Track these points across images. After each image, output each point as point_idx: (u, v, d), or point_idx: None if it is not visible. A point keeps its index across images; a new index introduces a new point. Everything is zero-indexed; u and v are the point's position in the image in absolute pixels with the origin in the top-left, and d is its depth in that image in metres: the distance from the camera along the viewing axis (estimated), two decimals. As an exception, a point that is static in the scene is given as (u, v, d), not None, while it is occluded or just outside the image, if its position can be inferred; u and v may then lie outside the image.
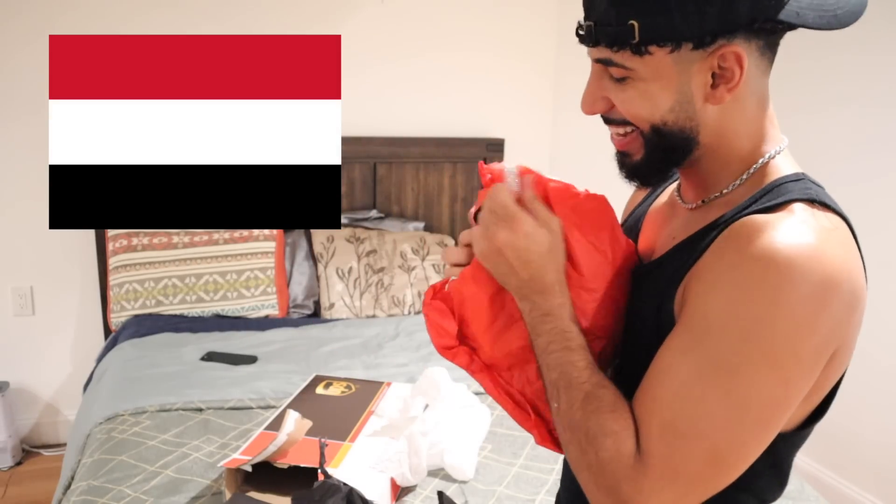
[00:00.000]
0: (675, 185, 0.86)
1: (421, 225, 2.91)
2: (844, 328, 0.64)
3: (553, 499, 1.42)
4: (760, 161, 0.72)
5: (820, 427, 0.85)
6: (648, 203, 0.90)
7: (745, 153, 0.73)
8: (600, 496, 0.67)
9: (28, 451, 2.65)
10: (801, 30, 0.66)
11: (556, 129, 3.17)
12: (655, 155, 0.73)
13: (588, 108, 0.74)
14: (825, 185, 0.73)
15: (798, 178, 0.70)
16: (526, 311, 0.74)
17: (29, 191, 2.53)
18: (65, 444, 2.44)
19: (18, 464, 2.57)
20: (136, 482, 1.42)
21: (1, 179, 2.51)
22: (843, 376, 0.72)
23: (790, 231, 0.62)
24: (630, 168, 0.76)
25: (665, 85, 0.68)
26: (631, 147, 0.74)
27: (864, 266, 0.68)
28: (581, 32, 0.71)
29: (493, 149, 2.98)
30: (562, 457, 1.48)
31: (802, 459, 2.41)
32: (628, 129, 0.73)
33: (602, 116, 0.75)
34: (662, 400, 0.65)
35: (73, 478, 1.53)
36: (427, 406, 1.59)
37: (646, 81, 0.68)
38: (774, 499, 0.78)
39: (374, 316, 2.59)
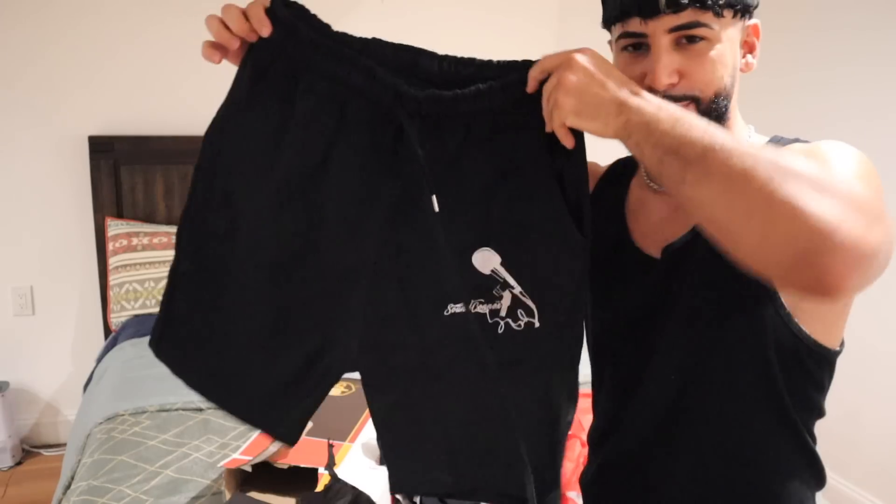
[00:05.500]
0: (634, 178, 0.90)
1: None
2: None
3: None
4: (751, 133, 0.84)
5: (820, 427, 0.85)
6: (618, 192, 0.91)
7: (741, 127, 0.83)
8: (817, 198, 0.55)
9: (28, 451, 2.65)
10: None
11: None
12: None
13: (665, 79, 0.74)
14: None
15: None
16: (634, 115, 0.65)
17: (29, 191, 2.54)
18: (65, 444, 2.44)
19: (18, 464, 2.57)
20: (136, 482, 1.42)
21: (1, 179, 2.52)
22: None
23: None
24: None
25: (731, 46, 0.77)
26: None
27: None
28: (646, 10, 0.74)
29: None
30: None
31: (802, 459, 2.41)
32: (685, 101, 0.75)
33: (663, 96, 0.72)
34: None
35: (73, 478, 1.53)
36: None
37: (721, 43, 0.76)
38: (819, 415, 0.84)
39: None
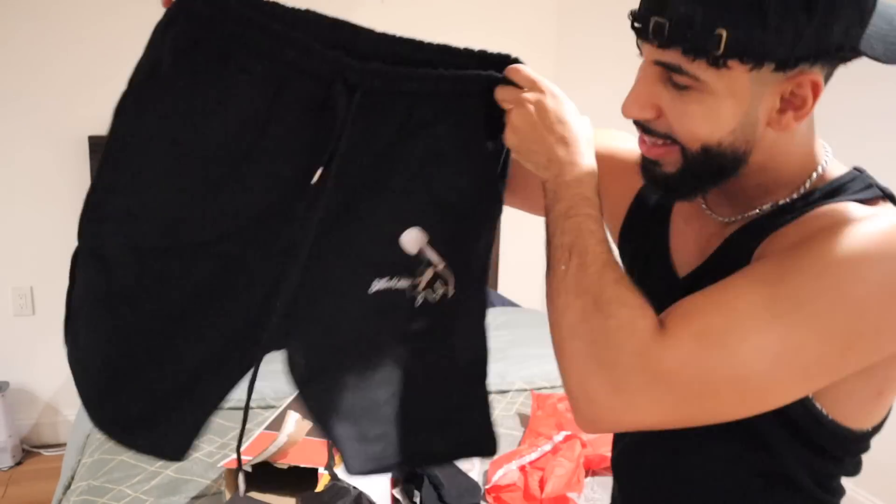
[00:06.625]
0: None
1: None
2: None
3: (553, 499, 1.43)
4: (814, 175, 0.69)
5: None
6: (664, 203, 0.83)
7: (795, 170, 0.69)
8: (591, 366, 0.62)
9: (28, 451, 2.65)
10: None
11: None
12: (694, 173, 0.67)
13: (633, 112, 0.67)
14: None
15: (854, 177, 0.68)
16: (552, 177, 0.71)
17: (30, 191, 2.54)
18: (65, 444, 2.44)
19: (18, 464, 2.57)
20: (136, 482, 1.42)
21: (1, 180, 2.52)
22: None
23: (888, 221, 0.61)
24: (660, 178, 0.70)
25: (736, 104, 0.62)
26: (665, 158, 0.68)
27: None
28: (638, 26, 0.63)
29: (493, 149, 2.98)
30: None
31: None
32: (668, 141, 0.67)
33: (638, 123, 0.69)
34: (719, 305, 0.61)
35: (73, 478, 1.53)
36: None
37: (715, 97, 0.62)
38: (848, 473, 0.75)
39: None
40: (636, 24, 0.63)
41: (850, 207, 0.63)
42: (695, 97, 0.62)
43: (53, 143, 2.54)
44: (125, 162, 0.74)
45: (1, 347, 2.61)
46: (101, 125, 2.57)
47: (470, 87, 0.75)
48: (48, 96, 2.50)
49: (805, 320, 0.58)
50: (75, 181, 2.57)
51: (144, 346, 0.77)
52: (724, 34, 0.57)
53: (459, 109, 0.76)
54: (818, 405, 0.64)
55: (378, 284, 0.79)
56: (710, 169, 0.66)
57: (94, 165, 2.51)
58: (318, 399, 0.84)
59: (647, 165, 0.71)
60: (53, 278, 2.61)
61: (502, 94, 0.74)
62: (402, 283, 0.80)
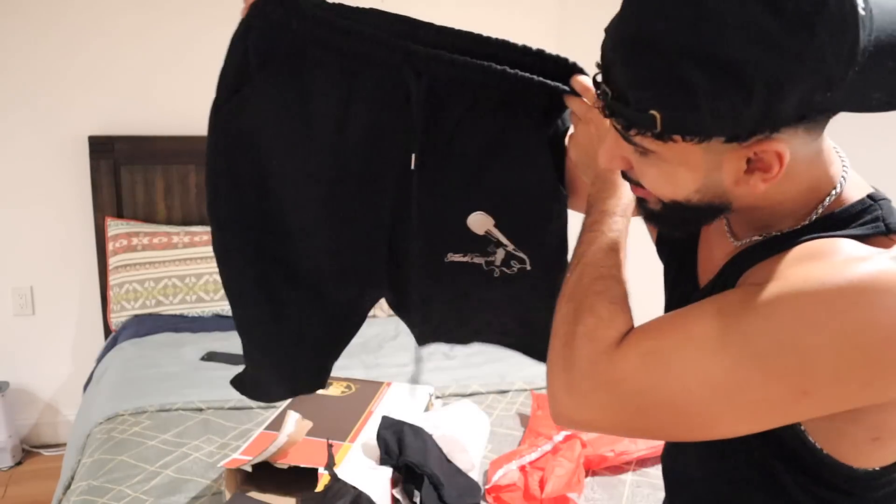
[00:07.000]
0: None
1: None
2: None
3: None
4: (827, 200, 0.64)
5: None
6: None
7: (802, 198, 0.65)
8: (558, 365, 0.68)
9: (28, 451, 2.65)
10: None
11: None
12: (676, 218, 0.68)
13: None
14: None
15: (865, 206, 0.63)
16: (594, 192, 0.78)
17: (29, 191, 2.54)
18: (65, 444, 2.44)
19: (18, 464, 2.57)
20: (136, 482, 1.42)
21: (1, 180, 2.52)
22: None
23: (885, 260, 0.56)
24: (650, 213, 0.70)
25: (691, 169, 0.61)
26: (648, 198, 0.68)
27: None
28: (598, 81, 0.62)
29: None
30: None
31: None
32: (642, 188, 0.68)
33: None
34: (675, 328, 0.63)
35: (73, 478, 1.53)
36: (428, 408, 1.59)
37: (669, 164, 0.61)
38: None
39: (374, 316, 2.59)
40: (596, 79, 0.62)
41: (837, 246, 0.59)
42: (652, 161, 0.62)
43: (53, 143, 2.54)
44: (229, 164, 0.84)
45: (1, 347, 2.61)
46: (101, 125, 2.58)
47: (534, 90, 0.80)
48: (48, 96, 2.51)
49: (751, 358, 0.57)
50: (75, 181, 2.57)
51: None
52: (658, 116, 0.56)
53: (520, 105, 0.81)
54: (811, 439, 0.62)
55: (453, 257, 0.89)
56: (688, 216, 0.66)
57: (94, 165, 2.51)
58: (400, 300, 0.98)
59: (639, 202, 0.72)
60: (53, 278, 2.62)
61: (573, 106, 0.81)
62: (478, 260, 0.89)
